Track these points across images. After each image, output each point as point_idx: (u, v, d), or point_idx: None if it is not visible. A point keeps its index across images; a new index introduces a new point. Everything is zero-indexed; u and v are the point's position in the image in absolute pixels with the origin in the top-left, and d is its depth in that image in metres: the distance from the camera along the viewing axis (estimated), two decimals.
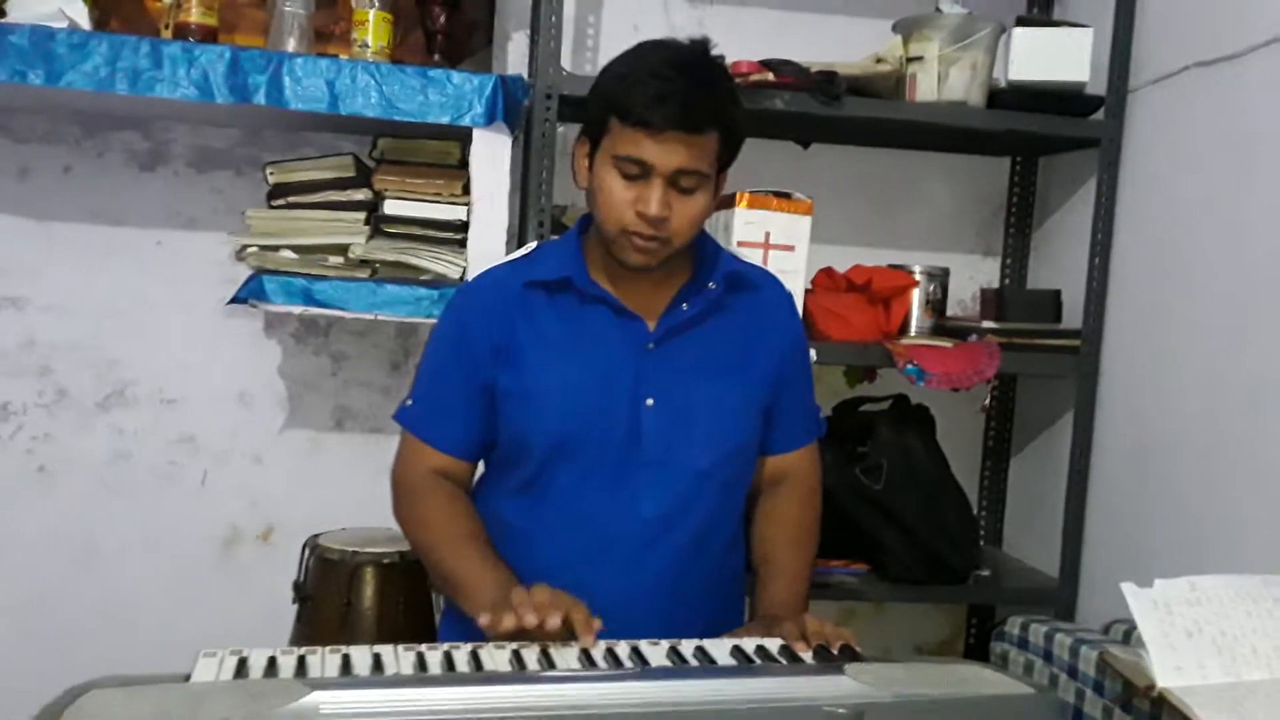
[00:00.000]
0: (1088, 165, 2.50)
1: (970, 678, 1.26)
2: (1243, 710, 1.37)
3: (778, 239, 2.21)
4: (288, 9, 2.26)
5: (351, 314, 2.18)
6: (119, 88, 2.05)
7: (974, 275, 2.82)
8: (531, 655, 1.29)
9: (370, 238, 2.25)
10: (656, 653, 1.31)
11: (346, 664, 1.21)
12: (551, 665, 1.27)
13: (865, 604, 2.79)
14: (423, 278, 2.22)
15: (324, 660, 1.22)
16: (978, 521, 2.75)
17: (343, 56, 2.22)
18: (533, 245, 1.75)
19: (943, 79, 2.34)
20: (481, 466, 1.73)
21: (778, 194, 2.23)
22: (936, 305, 2.50)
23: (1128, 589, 1.50)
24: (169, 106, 2.23)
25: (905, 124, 2.40)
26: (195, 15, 2.19)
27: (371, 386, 2.62)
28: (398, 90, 2.13)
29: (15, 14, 2.09)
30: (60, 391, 2.49)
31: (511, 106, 2.17)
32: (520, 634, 1.34)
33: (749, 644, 1.37)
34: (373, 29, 2.24)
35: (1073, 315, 2.49)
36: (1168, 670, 1.44)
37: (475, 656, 1.27)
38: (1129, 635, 1.70)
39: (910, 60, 2.36)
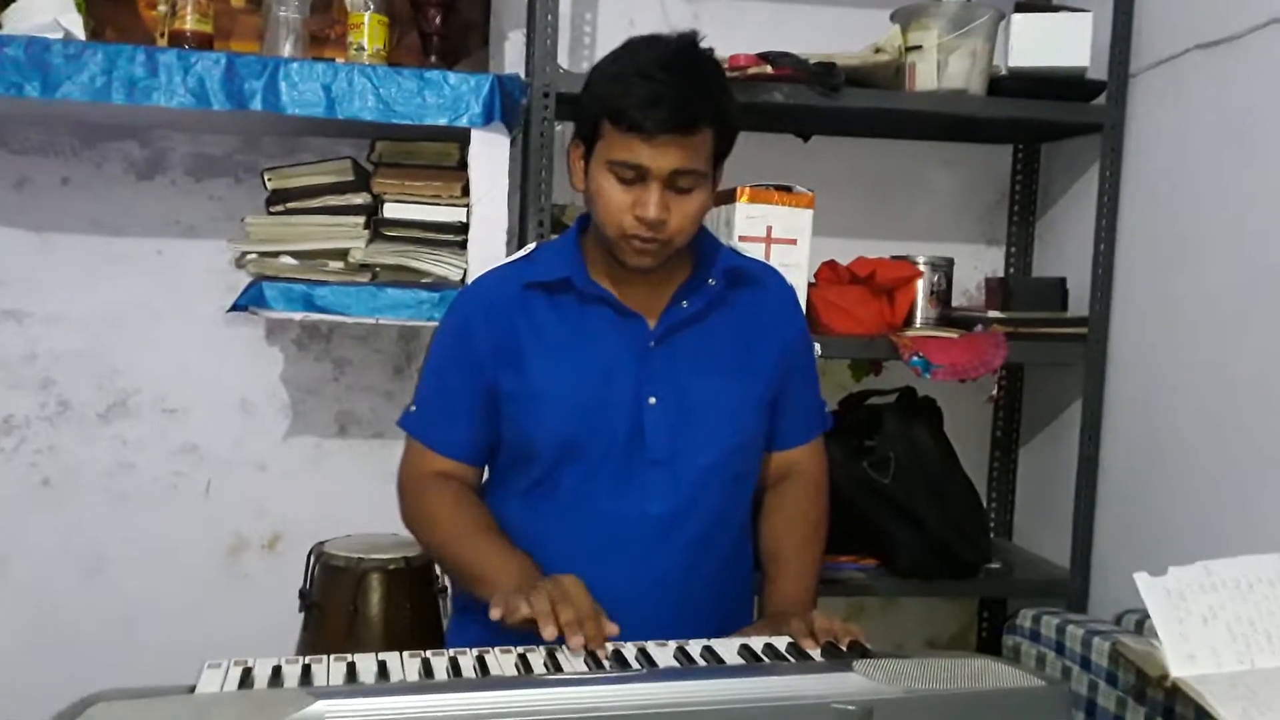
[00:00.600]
0: (1090, 151, 2.48)
1: (981, 672, 1.25)
2: (1257, 698, 1.36)
3: (779, 233, 2.20)
4: (282, 14, 2.25)
5: (353, 319, 2.17)
6: (115, 97, 2.05)
7: (978, 265, 2.81)
8: (538, 659, 1.28)
9: (370, 241, 2.24)
10: (664, 653, 1.30)
11: (352, 672, 1.20)
12: (558, 668, 1.26)
13: (875, 599, 2.78)
14: (424, 280, 2.22)
15: (329, 669, 1.21)
16: (987, 513, 2.73)
17: (339, 60, 2.21)
18: (532, 246, 1.75)
19: (942, 67, 2.32)
20: (486, 472, 1.73)
21: (779, 188, 2.22)
22: (941, 296, 2.49)
23: (1140, 578, 1.49)
24: (166, 115, 2.22)
25: (906, 114, 2.39)
26: (190, 23, 2.19)
27: (374, 391, 2.61)
28: (395, 93, 2.12)
29: (10, 26, 2.09)
30: (62, 403, 2.49)
31: (509, 106, 2.16)
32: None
33: (757, 643, 1.36)
34: (368, 32, 2.23)
35: (1079, 303, 2.47)
36: (1181, 659, 1.43)
37: (481, 661, 1.26)
38: (1141, 625, 1.69)
39: (909, 49, 2.35)
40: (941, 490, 2.39)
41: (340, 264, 2.24)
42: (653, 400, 1.59)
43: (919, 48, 2.33)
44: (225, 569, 2.57)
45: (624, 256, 1.55)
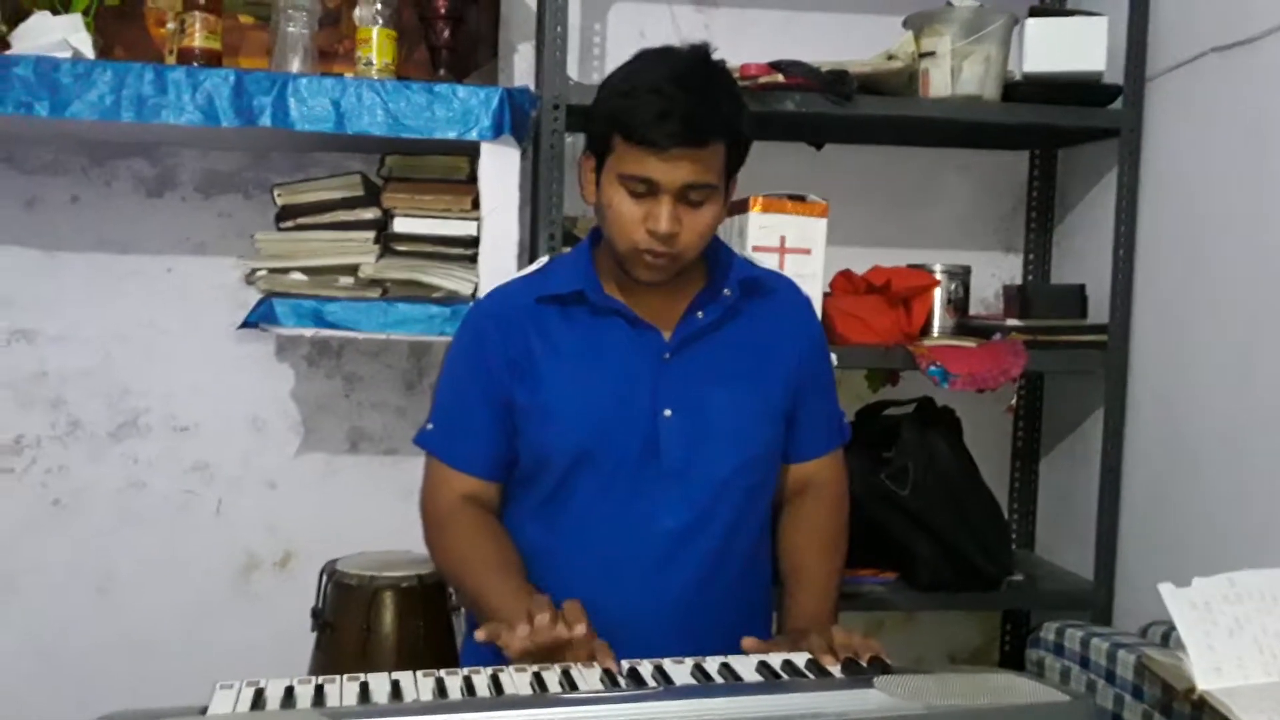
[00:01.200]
0: (1108, 156, 2.46)
1: (1004, 687, 1.23)
2: None
3: (793, 243, 2.18)
4: (291, 29, 2.25)
5: (363, 334, 2.17)
6: (124, 116, 2.05)
7: (996, 272, 2.78)
8: (553, 677, 1.27)
9: (380, 256, 2.23)
10: (680, 670, 1.29)
11: (365, 692, 1.19)
12: (574, 687, 1.25)
13: (895, 614, 2.75)
14: (434, 295, 2.20)
15: (342, 689, 1.20)
16: (1009, 525, 2.71)
17: (347, 75, 2.21)
18: (545, 259, 1.75)
19: (956, 74, 2.30)
20: None
21: (792, 197, 2.20)
22: (959, 304, 2.47)
23: (1165, 590, 1.47)
24: (175, 132, 2.22)
25: (920, 121, 2.37)
26: (199, 40, 2.18)
27: (386, 408, 2.60)
28: (404, 107, 2.11)
29: (19, 45, 2.09)
30: (73, 423, 2.48)
31: (519, 119, 2.15)
32: (539, 654, 1.32)
33: (775, 659, 1.34)
34: (377, 46, 2.23)
35: (1098, 310, 2.45)
36: (1207, 672, 1.41)
37: (496, 680, 1.24)
38: (1167, 637, 1.66)
39: (922, 56, 2.33)
40: (961, 502, 2.36)
41: (350, 279, 2.23)
42: (668, 412, 1.58)
43: (932, 54, 2.31)
44: (237, 588, 2.56)
45: (635, 271, 1.55)
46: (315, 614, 2.15)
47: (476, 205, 2.20)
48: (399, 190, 2.24)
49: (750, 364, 1.64)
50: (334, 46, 2.42)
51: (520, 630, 1.32)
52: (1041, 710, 1.20)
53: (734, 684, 1.26)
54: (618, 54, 2.47)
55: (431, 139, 2.13)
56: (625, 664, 1.30)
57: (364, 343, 2.51)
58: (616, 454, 1.57)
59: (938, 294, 2.44)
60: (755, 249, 2.14)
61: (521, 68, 2.56)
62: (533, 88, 2.28)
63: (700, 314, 1.61)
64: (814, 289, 2.15)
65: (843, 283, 2.45)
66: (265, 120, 2.08)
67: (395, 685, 1.20)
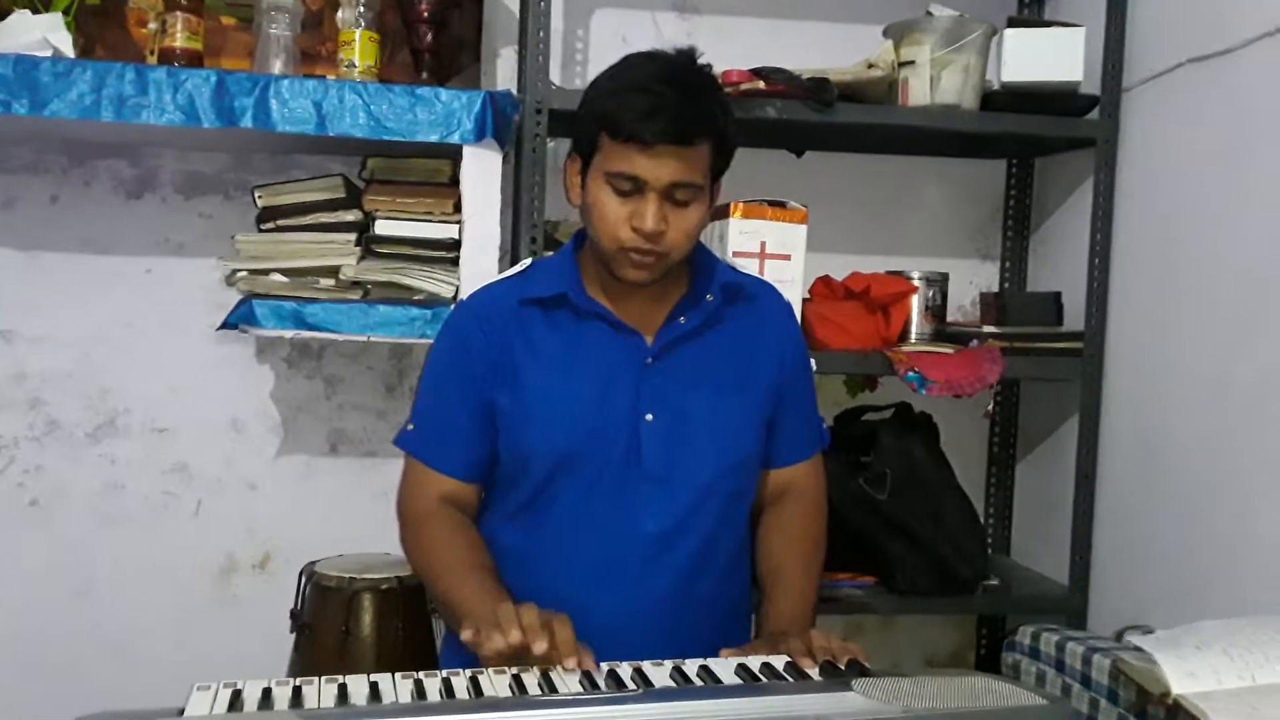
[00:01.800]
0: (1084, 165, 2.48)
1: (980, 690, 1.23)
2: (1258, 713, 1.35)
3: (773, 248, 2.19)
4: (273, 31, 2.25)
5: (344, 336, 2.17)
6: (104, 115, 2.03)
7: (973, 280, 2.80)
8: (532, 679, 1.27)
9: (361, 259, 2.23)
10: (660, 673, 1.29)
11: (343, 693, 1.19)
12: (553, 689, 1.25)
13: (872, 617, 2.76)
14: (415, 298, 2.20)
15: (320, 690, 1.19)
16: (985, 529, 2.72)
17: (330, 77, 2.20)
18: (528, 262, 1.74)
19: (935, 82, 2.32)
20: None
21: (772, 203, 2.21)
22: (936, 311, 2.48)
23: (1132, 638, 1.50)
24: (156, 133, 2.22)
25: (899, 129, 2.39)
26: (180, 40, 2.18)
27: (366, 410, 2.59)
28: (386, 109, 2.11)
29: None
30: (51, 423, 2.47)
31: (501, 122, 2.15)
32: (512, 656, 1.32)
33: (754, 662, 1.35)
34: (359, 49, 2.23)
35: (1074, 317, 2.46)
36: (1182, 676, 1.41)
37: (475, 682, 1.24)
38: None
39: (902, 64, 2.34)
40: (938, 506, 2.37)
41: (331, 281, 2.22)
42: (649, 417, 1.58)
43: (912, 63, 2.33)
44: (216, 589, 2.55)
45: (621, 270, 1.54)
46: (294, 616, 2.14)
47: (458, 208, 2.20)
48: (380, 193, 2.24)
49: (732, 369, 1.64)
50: (316, 48, 2.42)
51: (512, 637, 1.31)
52: (1018, 713, 1.20)
53: (713, 686, 1.26)
54: (600, 59, 2.48)
55: (413, 142, 2.13)
56: (604, 666, 1.30)
57: (344, 345, 2.51)
58: (598, 458, 1.57)
59: (916, 300, 2.45)
60: (736, 254, 2.15)
61: (504, 72, 2.56)
62: (515, 92, 2.28)
63: (683, 319, 1.61)
64: (794, 295, 2.16)
65: (822, 289, 2.46)
66: (246, 121, 2.07)
67: (373, 687, 1.20)
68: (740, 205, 2.18)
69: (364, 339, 2.16)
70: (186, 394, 2.51)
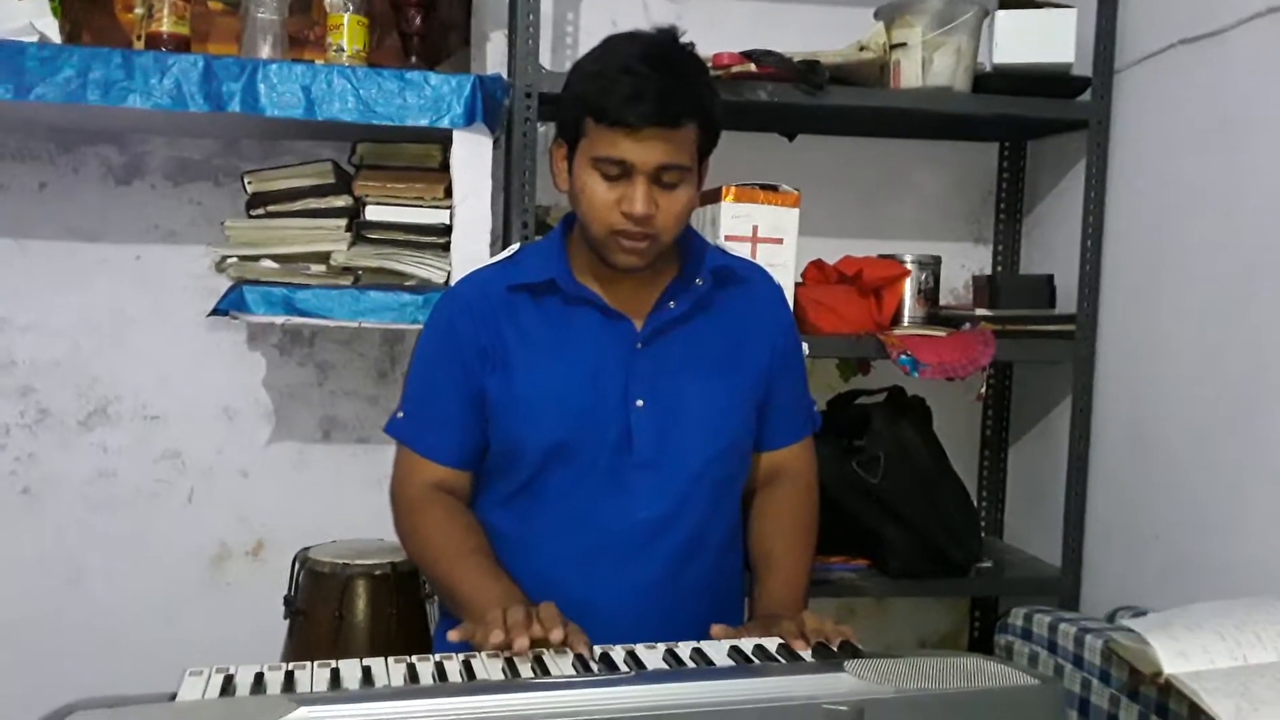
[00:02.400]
0: (1076, 147, 2.48)
1: (973, 671, 1.24)
2: (1250, 693, 1.36)
3: (765, 232, 2.19)
4: (261, 15, 2.23)
5: (335, 322, 2.16)
6: (90, 98, 2.02)
7: (966, 263, 2.80)
8: (525, 663, 1.27)
9: (352, 244, 2.22)
10: (652, 656, 1.29)
11: (336, 678, 1.18)
12: (546, 672, 1.25)
13: (866, 600, 2.77)
14: (407, 283, 2.20)
15: (312, 675, 1.19)
16: (978, 512, 2.72)
17: (318, 62, 2.19)
18: (516, 247, 1.73)
19: (927, 65, 2.31)
20: None
21: (764, 187, 2.20)
22: (929, 294, 2.48)
23: (1125, 621, 1.50)
24: (144, 119, 2.20)
25: (890, 111, 2.38)
26: (167, 25, 2.16)
27: (358, 396, 2.59)
28: (375, 94, 2.10)
29: None
30: (42, 411, 2.46)
31: (491, 107, 2.14)
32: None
33: (747, 644, 1.34)
34: (348, 33, 2.22)
35: (1067, 300, 2.47)
36: (1173, 656, 1.42)
37: (468, 666, 1.24)
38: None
39: (894, 47, 2.34)
40: (931, 489, 2.38)
41: (322, 267, 2.22)
42: (640, 403, 1.57)
43: (903, 45, 2.32)
44: (208, 577, 2.55)
45: (611, 255, 1.54)
46: (288, 602, 2.14)
47: (449, 193, 2.19)
48: (371, 178, 2.23)
49: (723, 353, 1.63)
50: (304, 33, 2.41)
51: (495, 638, 1.31)
52: (1010, 693, 1.21)
53: (706, 668, 1.26)
54: (590, 42, 2.41)
55: (403, 126, 2.12)
56: (598, 649, 1.30)
57: (336, 331, 2.51)
58: (589, 445, 1.57)
59: (908, 284, 2.45)
60: (728, 238, 2.15)
61: (494, 56, 2.54)
62: (505, 76, 2.27)
63: (672, 304, 1.60)
64: (786, 278, 2.16)
65: (814, 272, 2.46)
66: (235, 106, 2.06)
67: (366, 671, 1.19)
68: (732, 189, 2.17)
69: (355, 325, 2.16)
70: (178, 381, 2.51)
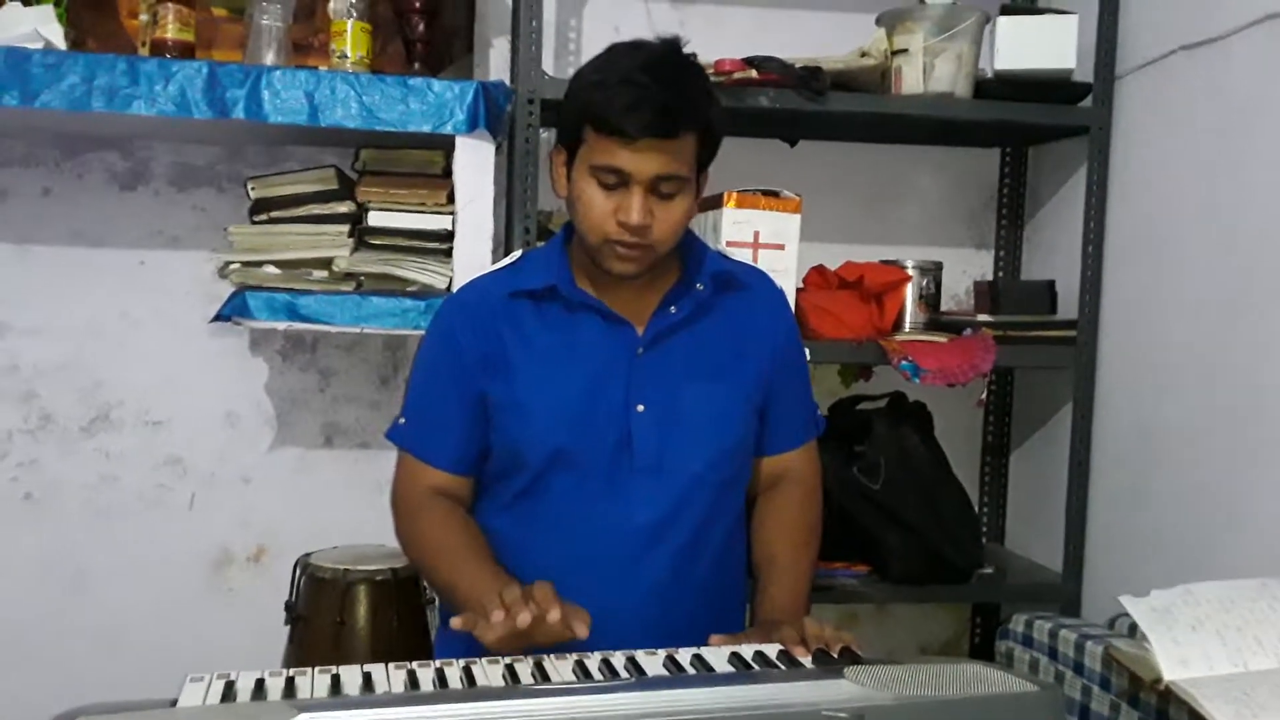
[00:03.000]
0: (1078, 153, 2.48)
1: (973, 677, 1.24)
2: (1251, 700, 1.36)
3: (767, 238, 2.19)
4: (265, 22, 2.24)
5: (337, 328, 2.16)
6: (95, 105, 2.03)
7: (967, 269, 2.80)
8: (525, 669, 1.27)
9: (355, 250, 2.22)
10: (653, 662, 1.29)
11: (336, 684, 1.18)
12: (546, 678, 1.25)
13: (867, 606, 2.77)
14: (409, 289, 2.20)
15: (313, 681, 1.19)
16: (979, 518, 2.72)
17: (322, 68, 2.20)
18: (517, 254, 1.73)
19: (928, 71, 2.32)
20: None
21: (765, 192, 2.21)
22: (930, 300, 2.48)
23: (1125, 599, 1.51)
24: (148, 125, 2.21)
25: (892, 117, 2.39)
26: (172, 31, 2.17)
27: (360, 401, 2.59)
28: (378, 100, 2.11)
29: None
30: (45, 416, 2.46)
31: (494, 113, 2.15)
32: (516, 638, 1.32)
33: (747, 650, 1.35)
34: (351, 39, 2.22)
35: (1068, 306, 2.47)
36: (1173, 663, 1.42)
37: (468, 672, 1.24)
38: (1134, 629, 1.67)
39: (895, 53, 2.34)
40: (932, 495, 2.38)
41: (325, 273, 2.22)
42: (641, 408, 1.58)
43: (904, 51, 2.33)
44: (210, 582, 2.55)
45: (607, 263, 1.54)
46: (289, 607, 2.14)
47: (451, 199, 2.20)
48: (373, 184, 2.24)
49: (724, 358, 1.64)
50: (308, 39, 2.42)
51: (495, 617, 1.32)
52: (1010, 700, 1.20)
53: (706, 675, 1.26)
54: (592, 49, 2.45)
55: (406, 132, 2.12)
56: (598, 655, 1.30)
57: (338, 336, 2.51)
58: (591, 450, 1.57)
59: (910, 290, 2.45)
60: (729, 244, 2.15)
61: (497, 62, 2.55)
62: (508, 82, 2.27)
63: (673, 309, 1.61)
64: (787, 284, 2.17)
65: (816, 278, 2.46)
66: (238, 112, 2.07)
67: (367, 677, 1.19)
68: (733, 195, 2.18)
69: (357, 331, 2.16)
70: (180, 387, 2.51)
